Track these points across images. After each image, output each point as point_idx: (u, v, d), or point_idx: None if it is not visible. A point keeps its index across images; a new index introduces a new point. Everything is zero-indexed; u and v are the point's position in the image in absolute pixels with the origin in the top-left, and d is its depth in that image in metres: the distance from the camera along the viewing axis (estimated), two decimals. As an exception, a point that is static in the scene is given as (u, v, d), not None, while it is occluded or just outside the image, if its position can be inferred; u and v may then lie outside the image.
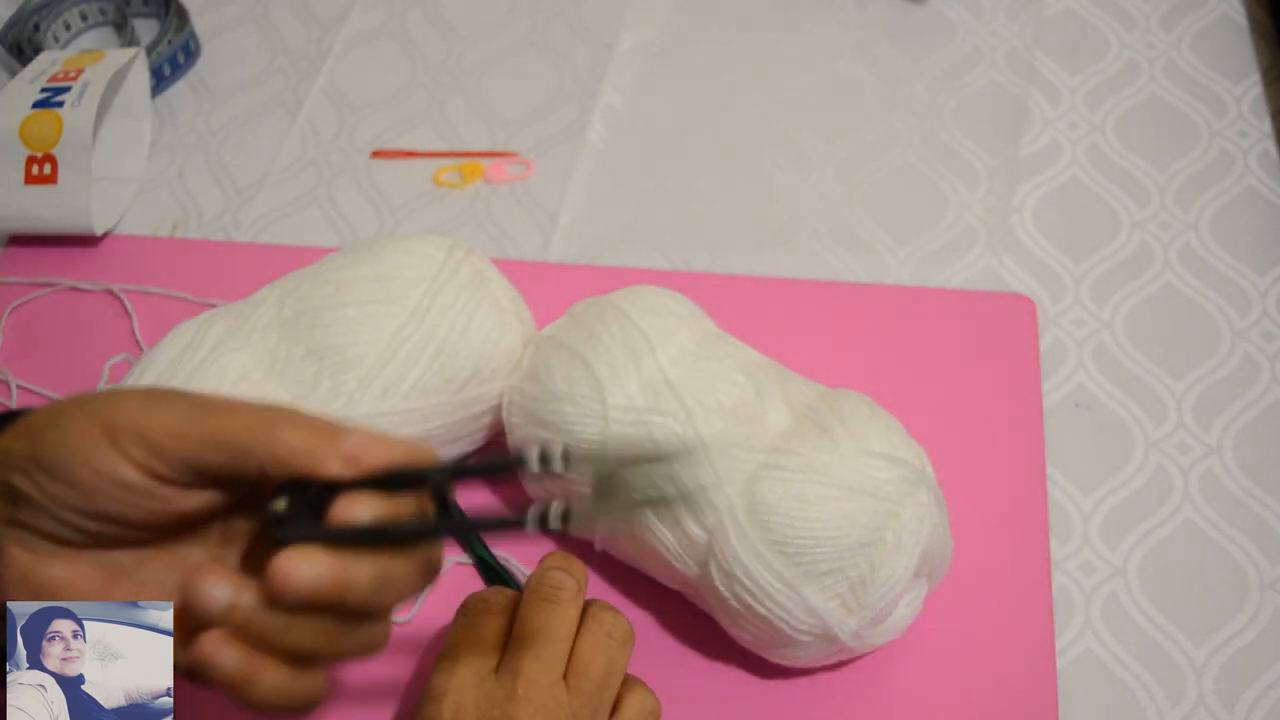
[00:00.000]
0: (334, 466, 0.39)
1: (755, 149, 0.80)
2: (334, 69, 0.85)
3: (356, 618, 0.40)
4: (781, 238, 0.76)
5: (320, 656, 0.40)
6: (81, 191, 0.72)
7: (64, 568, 0.40)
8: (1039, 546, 0.62)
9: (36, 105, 0.72)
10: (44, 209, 0.72)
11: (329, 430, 0.39)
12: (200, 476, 0.40)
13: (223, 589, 0.38)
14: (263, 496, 0.40)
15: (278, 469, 0.39)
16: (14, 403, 0.69)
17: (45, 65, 0.76)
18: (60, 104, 0.72)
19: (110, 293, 0.73)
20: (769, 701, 0.58)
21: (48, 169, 0.72)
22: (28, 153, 0.72)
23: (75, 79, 0.74)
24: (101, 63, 0.75)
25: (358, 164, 0.80)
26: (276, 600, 0.38)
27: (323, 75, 0.85)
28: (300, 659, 0.39)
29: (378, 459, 0.39)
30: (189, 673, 0.40)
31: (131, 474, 0.39)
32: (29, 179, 0.72)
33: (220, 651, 0.38)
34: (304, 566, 0.37)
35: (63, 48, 0.86)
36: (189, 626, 0.40)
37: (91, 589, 0.41)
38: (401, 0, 0.89)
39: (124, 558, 0.42)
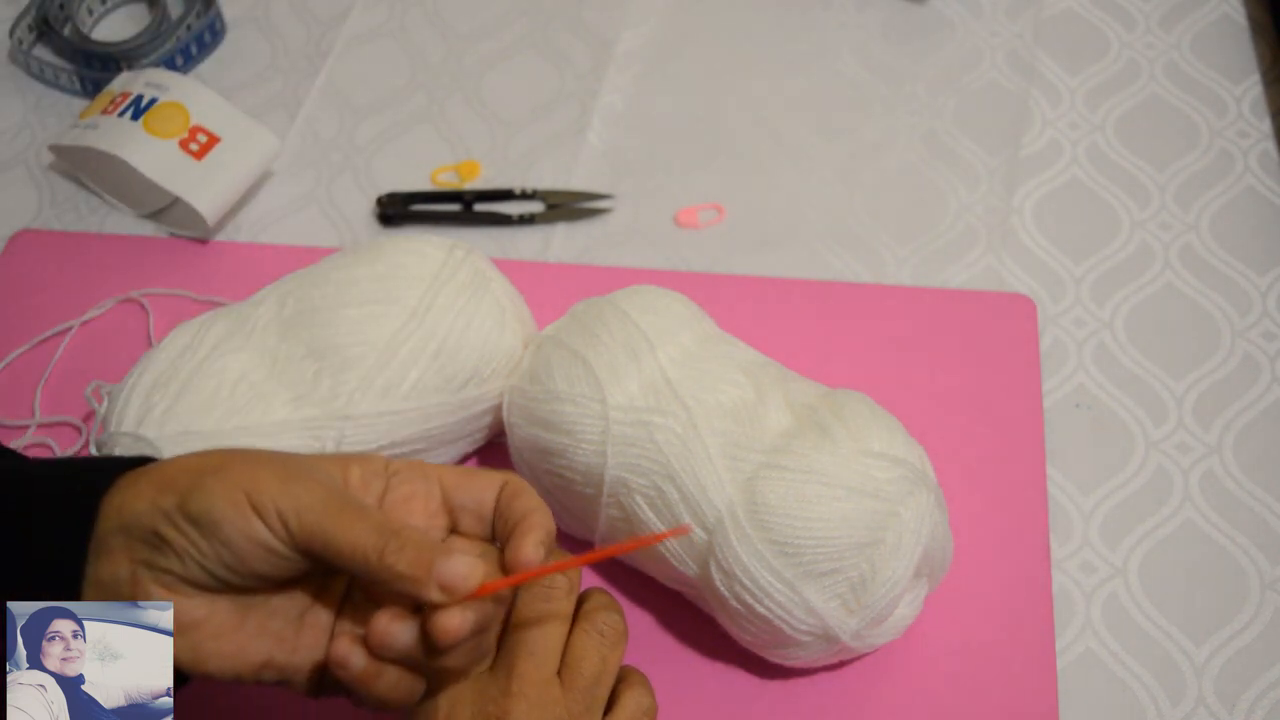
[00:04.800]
0: (432, 594, 0.43)
1: (755, 149, 0.80)
2: (334, 69, 0.85)
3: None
4: (781, 237, 0.76)
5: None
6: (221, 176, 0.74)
7: (203, 605, 0.45)
8: (1039, 546, 0.62)
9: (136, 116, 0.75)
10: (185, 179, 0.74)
11: (428, 561, 0.43)
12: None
13: (404, 629, 0.44)
14: None
15: (384, 584, 0.44)
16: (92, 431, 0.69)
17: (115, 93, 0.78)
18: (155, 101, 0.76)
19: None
20: (769, 701, 0.58)
21: (202, 139, 0.75)
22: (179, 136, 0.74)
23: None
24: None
25: (358, 164, 0.80)
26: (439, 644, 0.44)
27: (323, 75, 0.85)
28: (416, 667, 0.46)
29: (470, 588, 0.43)
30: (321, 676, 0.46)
31: (277, 544, 0.43)
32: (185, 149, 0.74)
33: (352, 654, 0.44)
34: (456, 619, 0.44)
35: (97, 21, 0.87)
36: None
37: (228, 623, 0.45)
38: (401, 0, 0.89)
39: (253, 594, 0.46)
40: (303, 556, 0.44)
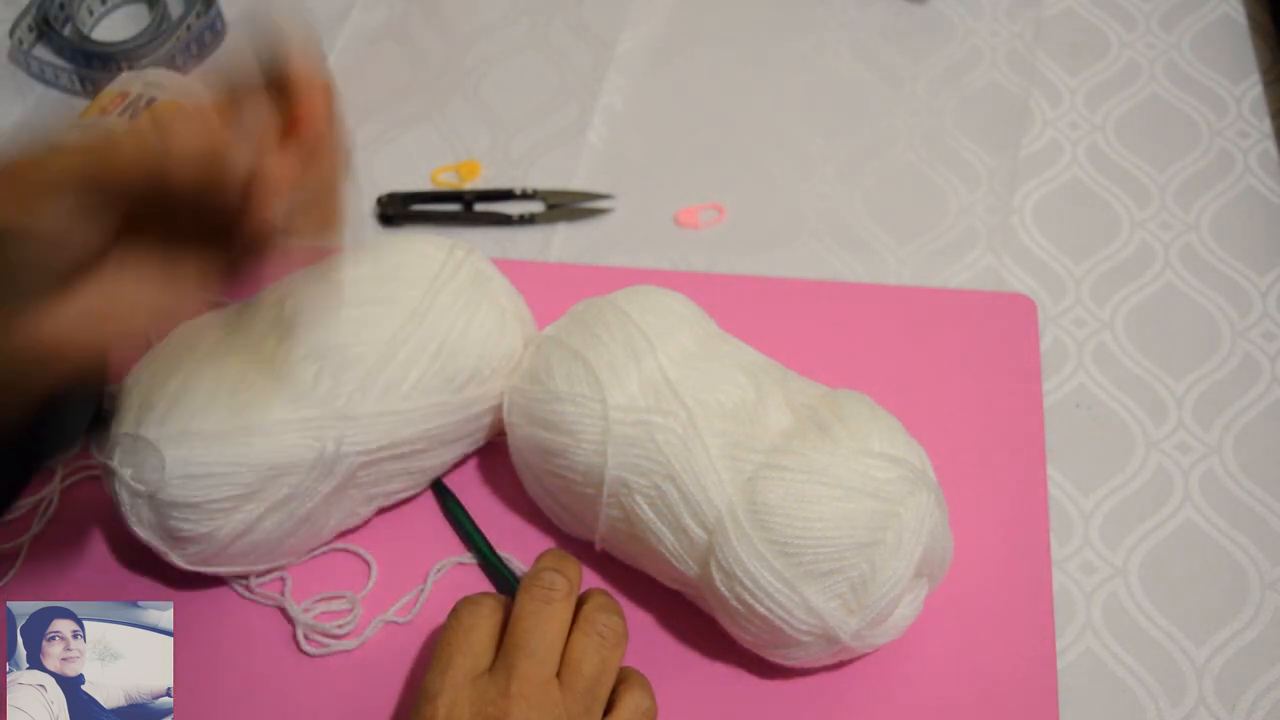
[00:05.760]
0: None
1: (755, 149, 0.80)
2: (334, 69, 0.85)
3: None
4: (781, 238, 0.76)
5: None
6: None
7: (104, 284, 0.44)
8: (1039, 546, 0.62)
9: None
10: None
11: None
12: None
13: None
14: None
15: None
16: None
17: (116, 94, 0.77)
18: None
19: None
20: (769, 701, 0.58)
21: None
22: None
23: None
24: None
25: (358, 164, 0.80)
26: None
27: (323, 75, 0.85)
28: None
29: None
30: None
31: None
32: None
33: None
34: None
35: (97, 21, 0.87)
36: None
37: (130, 282, 0.45)
38: (402, 0, 0.89)
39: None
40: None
